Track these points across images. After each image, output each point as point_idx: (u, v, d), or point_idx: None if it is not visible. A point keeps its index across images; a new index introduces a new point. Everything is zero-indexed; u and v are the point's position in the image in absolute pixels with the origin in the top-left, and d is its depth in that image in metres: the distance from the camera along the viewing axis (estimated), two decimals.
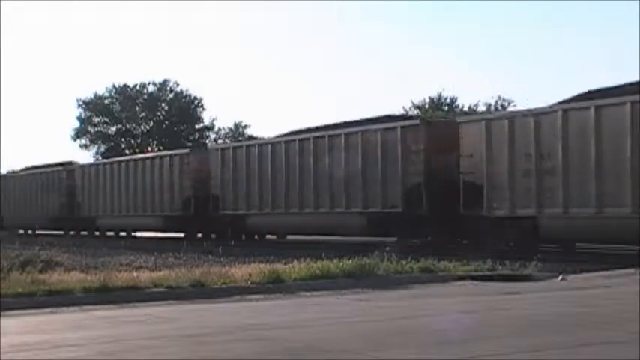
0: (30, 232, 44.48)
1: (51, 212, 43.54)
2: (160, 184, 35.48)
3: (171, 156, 36.11)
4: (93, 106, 72.25)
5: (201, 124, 73.28)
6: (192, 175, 33.73)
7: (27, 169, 49.15)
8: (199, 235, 33.19)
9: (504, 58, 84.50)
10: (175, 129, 71.99)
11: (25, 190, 46.99)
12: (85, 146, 72.98)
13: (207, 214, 32.52)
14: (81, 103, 72.26)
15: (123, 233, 39.35)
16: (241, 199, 30.86)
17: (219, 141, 70.19)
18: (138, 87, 72.57)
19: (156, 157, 37.97)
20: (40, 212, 44.41)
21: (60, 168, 44.13)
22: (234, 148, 32.73)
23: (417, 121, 25.90)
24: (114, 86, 72.30)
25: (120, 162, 40.33)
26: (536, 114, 21.35)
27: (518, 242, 21.66)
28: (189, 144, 64.53)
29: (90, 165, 43.89)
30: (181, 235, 33.34)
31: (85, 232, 41.08)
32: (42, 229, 42.95)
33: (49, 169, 45.23)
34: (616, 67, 75.01)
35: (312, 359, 7.31)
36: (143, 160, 38.38)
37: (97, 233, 40.34)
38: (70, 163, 44.68)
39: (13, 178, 50.29)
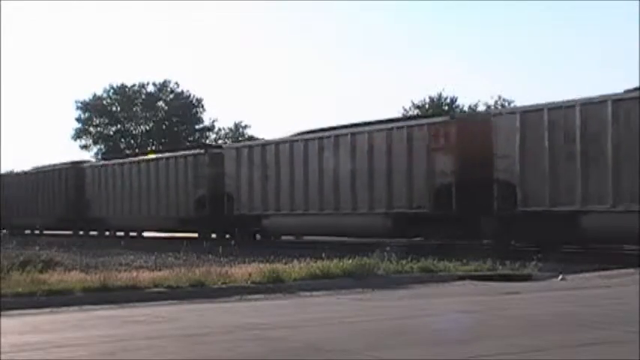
0: (37, 232, 43.93)
1: (58, 212, 43.16)
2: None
3: (185, 156, 35.51)
4: (92, 107, 72.24)
5: (202, 125, 73.28)
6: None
7: (36, 168, 48.77)
8: (213, 235, 32.52)
9: (504, 58, 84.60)
10: (175, 129, 71.98)
11: (31, 189, 46.59)
12: (86, 146, 73.09)
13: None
14: (80, 104, 72.30)
15: (133, 233, 39.06)
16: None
17: (220, 141, 70.17)
18: (137, 87, 72.58)
19: (170, 156, 36.94)
20: (47, 212, 44.02)
21: (69, 167, 43.65)
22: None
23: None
24: (112, 87, 72.35)
25: (131, 162, 39.81)
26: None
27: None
28: (188, 144, 64.57)
29: (100, 165, 43.35)
30: (195, 235, 33.04)
31: (94, 233, 40.68)
32: (49, 229, 42.58)
33: (56, 168, 44.79)
34: (616, 67, 75.13)
35: (312, 359, 7.31)
36: (157, 159, 37.67)
37: (107, 233, 39.93)
38: (80, 162, 44.28)
39: (18, 177, 49.88)
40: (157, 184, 36.11)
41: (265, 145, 30.94)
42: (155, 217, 36.38)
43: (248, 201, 30.78)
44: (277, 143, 30.06)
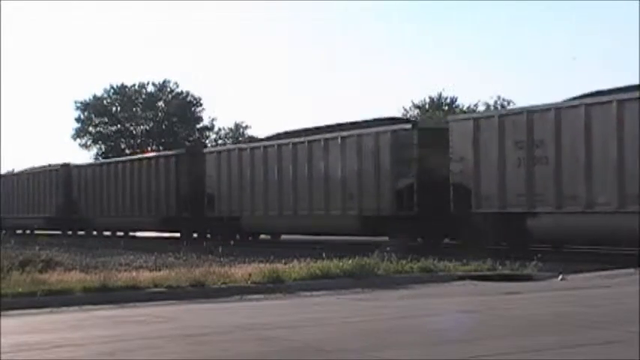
0: (28, 231, 44.85)
1: (48, 212, 43.91)
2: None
3: (167, 157, 36.47)
4: (92, 107, 72.23)
5: (201, 124, 73.28)
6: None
7: (26, 170, 49.47)
8: (195, 235, 33.44)
9: (504, 58, 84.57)
10: (175, 129, 71.97)
11: (22, 190, 47.39)
12: (85, 146, 73.09)
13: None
14: (79, 105, 72.30)
15: (120, 233, 39.50)
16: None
17: (220, 141, 70.19)
18: (137, 87, 72.59)
19: (153, 157, 38.34)
20: (37, 212, 44.69)
21: (57, 168, 44.46)
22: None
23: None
24: (112, 87, 72.35)
25: (117, 162, 40.83)
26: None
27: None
28: (189, 144, 64.56)
29: (87, 166, 44.15)
30: (178, 235, 34.05)
31: (82, 232, 41.42)
32: (39, 229, 43.10)
33: (45, 169, 45.62)
34: (616, 67, 75.13)
35: (312, 359, 7.31)
36: (139, 160, 38.79)
37: (95, 233, 40.65)
38: (67, 164, 44.92)
39: (8, 178, 50.59)
40: (140, 184, 36.88)
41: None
42: (139, 217, 37.01)
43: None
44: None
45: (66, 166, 44.40)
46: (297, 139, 28.81)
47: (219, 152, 33.41)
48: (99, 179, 40.27)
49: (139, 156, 40.64)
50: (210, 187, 32.62)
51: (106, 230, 40.10)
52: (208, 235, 32.44)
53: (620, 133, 19.24)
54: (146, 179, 36.39)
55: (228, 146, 37.96)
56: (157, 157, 37.57)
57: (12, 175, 50.72)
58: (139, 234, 38.85)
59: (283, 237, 33.32)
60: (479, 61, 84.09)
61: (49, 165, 46.07)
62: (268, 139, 31.89)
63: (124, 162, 39.88)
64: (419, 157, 24.16)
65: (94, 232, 40.61)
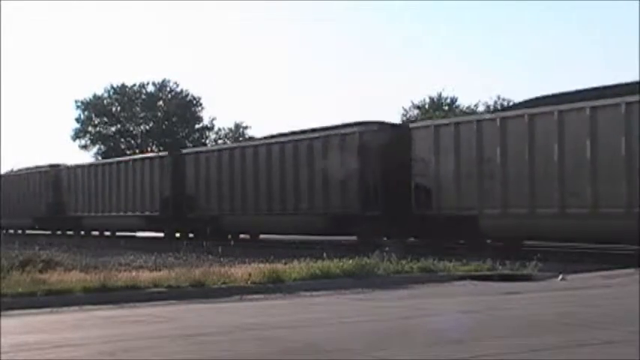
0: (19, 231, 45.72)
1: (37, 212, 44.84)
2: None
3: (151, 158, 37.76)
4: (92, 107, 72.22)
5: (201, 124, 73.26)
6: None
7: (16, 171, 50.83)
8: (177, 234, 34.35)
9: (504, 58, 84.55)
10: (175, 129, 71.95)
11: (12, 190, 48.41)
12: (85, 147, 73.08)
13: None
14: (80, 104, 72.30)
15: (107, 233, 40.63)
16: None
17: (220, 141, 70.19)
18: (137, 87, 72.57)
19: (138, 159, 39.73)
20: (28, 212, 45.54)
21: (47, 169, 45.41)
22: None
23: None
24: (112, 87, 72.34)
25: (104, 164, 42.28)
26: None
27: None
28: (189, 144, 64.56)
29: (75, 167, 44.97)
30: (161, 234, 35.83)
31: (70, 232, 42.25)
32: (29, 229, 44.28)
33: (35, 171, 46.70)
34: (616, 67, 75.11)
35: (312, 359, 7.31)
36: (125, 162, 39.93)
37: (82, 233, 41.66)
38: (57, 165, 45.79)
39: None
40: (125, 185, 37.90)
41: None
42: (124, 216, 37.97)
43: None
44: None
45: (55, 167, 45.36)
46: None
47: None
48: (87, 180, 41.25)
49: (124, 158, 42.01)
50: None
51: (94, 230, 41.07)
52: (191, 235, 32.94)
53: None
54: (132, 181, 37.34)
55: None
56: (141, 159, 38.73)
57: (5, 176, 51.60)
58: (140, 234, 39.34)
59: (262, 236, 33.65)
60: (479, 61, 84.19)
61: (37, 166, 47.10)
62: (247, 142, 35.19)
63: (110, 164, 41.14)
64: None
65: (82, 232, 41.63)
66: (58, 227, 42.88)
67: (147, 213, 36.09)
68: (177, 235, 34.07)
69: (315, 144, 27.54)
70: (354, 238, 26.54)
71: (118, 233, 39.05)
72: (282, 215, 28.99)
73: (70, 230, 42.15)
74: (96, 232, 40.90)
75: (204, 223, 32.54)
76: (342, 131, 26.90)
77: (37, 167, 46.93)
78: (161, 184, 35.30)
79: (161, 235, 35.68)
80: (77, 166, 44.19)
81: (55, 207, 43.17)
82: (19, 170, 49.63)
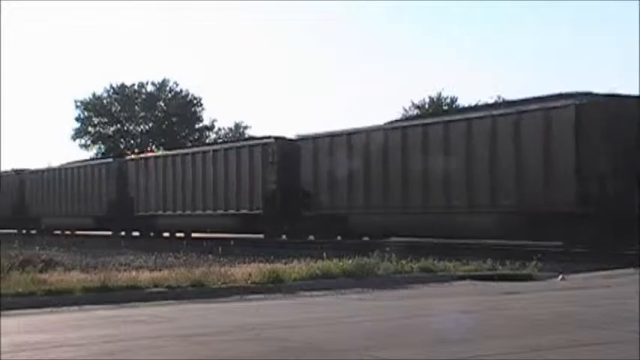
0: None
1: (4, 213, 48.30)
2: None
3: (100, 164, 42.15)
4: (92, 107, 72.21)
5: (201, 124, 73.25)
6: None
7: None
8: (122, 233, 38.35)
9: (504, 58, 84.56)
10: (175, 129, 71.94)
11: None
12: (85, 146, 73.09)
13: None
14: (79, 104, 72.29)
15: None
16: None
17: (219, 141, 70.12)
18: (136, 87, 72.56)
19: (88, 164, 43.96)
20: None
21: (11, 173, 49.40)
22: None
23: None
24: (111, 86, 72.33)
25: (60, 169, 46.20)
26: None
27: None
28: (189, 144, 64.56)
29: (37, 171, 47.97)
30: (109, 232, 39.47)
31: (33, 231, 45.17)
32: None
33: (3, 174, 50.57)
34: (616, 67, 75.14)
35: (312, 359, 7.31)
36: (78, 167, 43.97)
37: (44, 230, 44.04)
38: (22, 171, 49.09)
39: None
40: (78, 188, 42.29)
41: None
42: (77, 216, 42.28)
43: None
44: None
45: (20, 172, 49.04)
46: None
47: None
48: (47, 183, 45.45)
49: (80, 164, 45.34)
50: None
51: (56, 229, 43.81)
52: (137, 233, 38.02)
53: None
54: (84, 184, 41.72)
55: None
56: (91, 165, 43.10)
57: None
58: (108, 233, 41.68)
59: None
60: (479, 61, 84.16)
61: (4, 171, 50.78)
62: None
63: (66, 168, 45.20)
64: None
65: (43, 230, 44.11)
66: (22, 227, 46.10)
67: (97, 213, 40.26)
68: (123, 233, 37.93)
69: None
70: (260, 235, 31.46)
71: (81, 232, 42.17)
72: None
73: (32, 229, 45.39)
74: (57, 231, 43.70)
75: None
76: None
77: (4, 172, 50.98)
78: (108, 187, 39.69)
79: (109, 233, 39.24)
80: (39, 171, 47.71)
81: (20, 208, 47.38)
82: None
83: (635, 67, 68.02)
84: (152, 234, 37.14)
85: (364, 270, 14.76)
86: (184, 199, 34.58)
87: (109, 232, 39.06)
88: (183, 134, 71.60)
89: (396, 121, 30.64)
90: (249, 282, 13.63)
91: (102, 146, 72.47)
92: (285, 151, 30.71)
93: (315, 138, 29.15)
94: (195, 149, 36.38)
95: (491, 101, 60.36)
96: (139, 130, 73.19)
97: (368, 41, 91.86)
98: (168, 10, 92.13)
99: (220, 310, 11.22)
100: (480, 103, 60.50)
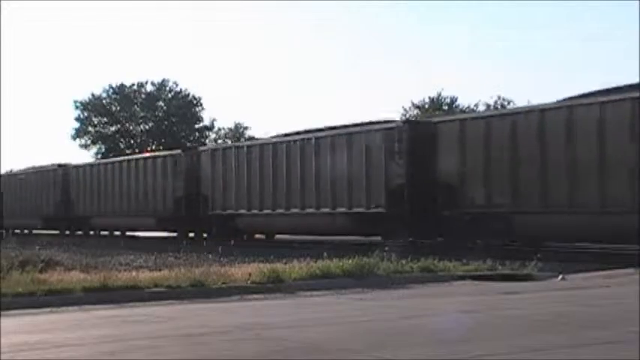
0: None
1: (45, 211, 48.17)
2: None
3: (42, 171, 46.24)
4: (91, 107, 72.19)
5: (201, 124, 73.22)
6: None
7: None
8: (67, 232, 42.36)
9: (504, 58, 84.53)
10: (175, 129, 71.90)
11: None
12: (85, 146, 73.07)
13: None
14: (79, 104, 72.27)
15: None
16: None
17: (219, 141, 70.14)
18: (136, 87, 72.52)
19: (37, 170, 47.83)
20: None
21: (56, 167, 47.18)
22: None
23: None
24: (111, 86, 72.30)
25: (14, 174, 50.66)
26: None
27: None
28: (189, 144, 64.54)
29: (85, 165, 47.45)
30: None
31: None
32: None
33: None
34: (616, 67, 75.12)
35: (312, 359, 7.31)
36: (27, 173, 48.24)
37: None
38: (65, 165, 47.67)
39: None
40: (29, 193, 47.01)
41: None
42: (27, 217, 46.53)
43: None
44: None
45: (64, 166, 47.44)
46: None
47: (78, 167, 42.69)
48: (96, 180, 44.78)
49: (32, 169, 48.40)
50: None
51: (15, 228, 46.15)
52: (79, 232, 42.44)
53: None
54: (34, 189, 46.05)
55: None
56: (34, 172, 47.38)
57: None
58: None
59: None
60: (479, 61, 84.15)
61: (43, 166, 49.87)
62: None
63: (19, 174, 49.06)
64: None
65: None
66: (65, 227, 45.68)
67: (43, 215, 44.90)
68: (67, 231, 42.49)
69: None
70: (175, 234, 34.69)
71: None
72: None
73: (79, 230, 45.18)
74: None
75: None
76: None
77: None
78: (54, 192, 44.21)
79: (56, 231, 42.91)
80: (86, 165, 46.88)
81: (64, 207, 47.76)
82: None
83: (636, 67, 68.00)
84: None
85: (364, 270, 14.76)
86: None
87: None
88: (183, 134, 71.55)
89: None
90: (249, 282, 13.63)
91: (102, 146, 72.45)
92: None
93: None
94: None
95: (491, 101, 60.60)
96: (139, 130, 73.16)
97: (368, 41, 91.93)
98: (168, 10, 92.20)
99: (220, 310, 11.22)
100: (479, 103, 60.83)
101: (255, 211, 30.61)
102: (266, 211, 30.01)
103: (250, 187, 30.57)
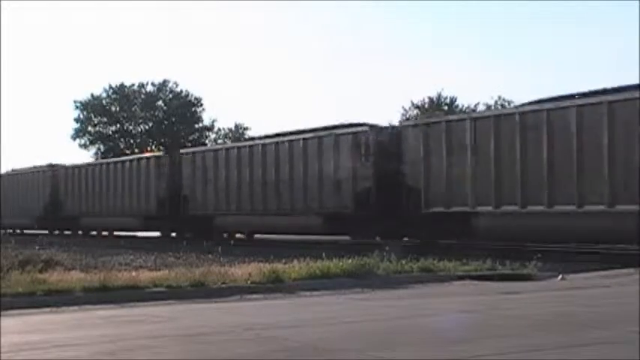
0: None
1: (33, 211, 48.43)
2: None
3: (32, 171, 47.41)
4: (91, 107, 72.17)
5: (201, 124, 73.20)
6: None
7: None
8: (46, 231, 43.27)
9: (504, 58, 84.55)
10: (175, 129, 71.89)
11: None
12: (85, 146, 73.06)
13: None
14: (79, 104, 72.25)
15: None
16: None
17: (219, 141, 70.13)
18: (136, 87, 72.53)
19: (18, 172, 49.64)
20: None
21: (46, 168, 48.20)
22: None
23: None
24: (111, 86, 72.29)
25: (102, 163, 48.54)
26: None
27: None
28: (189, 144, 64.53)
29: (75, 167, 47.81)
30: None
31: None
32: None
33: None
34: (616, 67, 75.14)
35: (312, 359, 7.31)
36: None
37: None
38: (55, 165, 48.38)
39: None
40: (21, 193, 47.85)
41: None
42: (18, 216, 47.54)
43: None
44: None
45: (53, 167, 48.46)
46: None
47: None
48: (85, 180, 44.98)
49: (125, 158, 46.11)
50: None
51: (93, 230, 44.93)
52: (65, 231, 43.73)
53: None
54: (24, 189, 47.12)
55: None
56: (25, 172, 48.14)
57: None
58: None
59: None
60: (479, 61, 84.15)
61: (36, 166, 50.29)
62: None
63: (109, 164, 45.01)
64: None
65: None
66: (54, 227, 46.15)
67: (35, 214, 45.45)
68: (57, 231, 43.65)
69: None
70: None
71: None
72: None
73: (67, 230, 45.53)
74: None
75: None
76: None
77: None
78: (44, 192, 45.30)
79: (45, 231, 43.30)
80: (75, 167, 46.78)
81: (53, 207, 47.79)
82: None
83: (636, 67, 68.01)
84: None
85: (364, 270, 14.76)
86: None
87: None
88: (183, 134, 71.54)
89: None
90: (249, 282, 13.63)
91: (102, 146, 72.42)
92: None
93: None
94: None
95: (491, 101, 60.61)
96: (139, 130, 73.15)
97: (368, 41, 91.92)
98: (168, 10, 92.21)
99: (220, 310, 11.22)
100: (479, 103, 60.85)
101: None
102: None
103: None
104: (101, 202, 40.65)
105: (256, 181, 30.40)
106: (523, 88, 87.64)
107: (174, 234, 35.60)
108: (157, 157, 37.83)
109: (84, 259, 20.00)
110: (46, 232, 43.38)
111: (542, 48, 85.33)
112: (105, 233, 41.65)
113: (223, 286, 13.33)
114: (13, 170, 51.87)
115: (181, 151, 37.87)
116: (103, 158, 59.31)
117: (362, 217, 25.62)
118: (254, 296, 12.83)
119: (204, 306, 11.59)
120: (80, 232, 43.05)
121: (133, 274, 14.47)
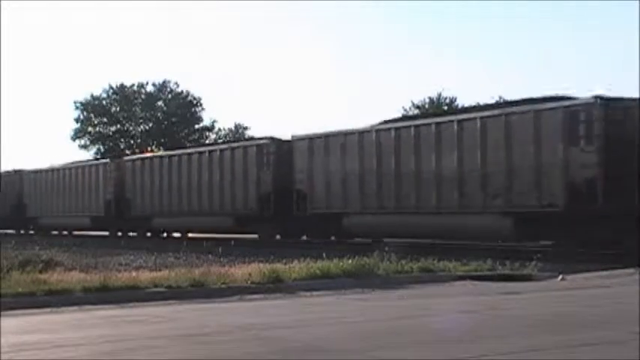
0: None
1: (3, 212, 51.02)
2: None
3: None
4: (91, 107, 72.16)
5: (201, 125, 73.20)
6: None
7: None
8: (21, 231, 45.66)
9: (504, 58, 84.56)
10: (175, 129, 71.87)
11: None
12: (85, 146, 73.03)
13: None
14: (79, 105, 72.25)
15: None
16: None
17: (219, 141, 70.08)
18: (136, 87, 72.49)
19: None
20: None
21: (13, 173, 51.07)
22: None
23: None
24: (111, 87, 72.28)
25: (59, 169, 50.19)
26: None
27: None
28: (189, 144, 64.52)
29: (37, 171, 50.00)
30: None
31: None
32: None
33: None
34: (616, 67, 75.18)
35: (312, 359, 7.31)
36: None
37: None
38: (21, 170, 50.90)
39: None
40: (76, 188, 47.65)
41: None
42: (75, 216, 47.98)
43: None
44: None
45: (19, 172, 51.12)
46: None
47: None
48: (45, 184, 47.23)
49: (78, 164, 48.11)
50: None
51: (52, 229, 47.00)
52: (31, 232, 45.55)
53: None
54: (82, 185, 46.75)
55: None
56: (90, 166, 47.65)
57: None
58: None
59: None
60: (479, 61, 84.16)
61: (5, 171, 52.73)
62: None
63: (64, 169, 47.84)
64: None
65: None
66: (19, 227, 48.91)
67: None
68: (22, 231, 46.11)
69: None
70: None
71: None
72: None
73: (30, 229, 48.01)
74: None
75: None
76: (95, 162, 42.48)
77: None
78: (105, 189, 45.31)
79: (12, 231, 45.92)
80: (37, 171, 49.76)
81: (18, 208, 50.36)
82: None
83: (636, 67, 68.03)
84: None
85: (364, 270, 14.76)
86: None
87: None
88: (183, 134, 71.53)
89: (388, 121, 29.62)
90: (249, 282, 13.63)
91: (101, 146, 72.40)
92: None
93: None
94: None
95: (491, 101, 60.61)
96: (139, 130, 73.14)
97: (368, 41, 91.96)
98: (168, 10, 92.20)
99: (220, 310, 11.23)
100: (480, 103, 60.83)
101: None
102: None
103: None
104: (57, 203, 44.49)
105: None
106: (523, 88, 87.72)
107: (120, 233, 38.95)
108: (104, 164, 41.73)
109: (84, 259, 20.00)
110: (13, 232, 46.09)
111: (542, 48, 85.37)
112: (65, 232, 44.62)
113: (223, 286, 13.33)
114: None
115: (125, 158, 42.55)
116: (103, 158, 59.55)
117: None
118: (254, 296, 12.83)
119: (204, 306, 11.59)
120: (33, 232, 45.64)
121: (133, 274, 14.47)
